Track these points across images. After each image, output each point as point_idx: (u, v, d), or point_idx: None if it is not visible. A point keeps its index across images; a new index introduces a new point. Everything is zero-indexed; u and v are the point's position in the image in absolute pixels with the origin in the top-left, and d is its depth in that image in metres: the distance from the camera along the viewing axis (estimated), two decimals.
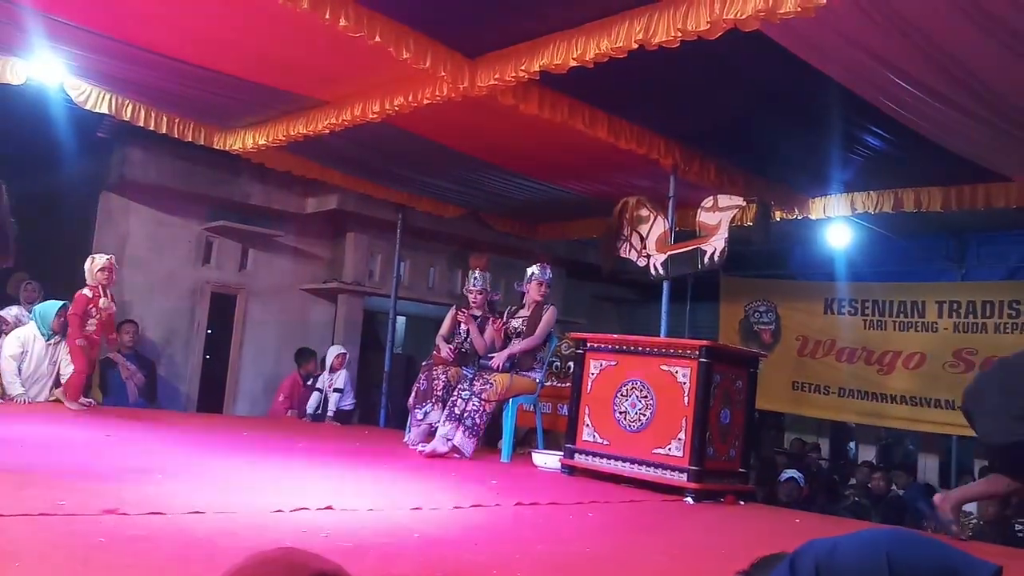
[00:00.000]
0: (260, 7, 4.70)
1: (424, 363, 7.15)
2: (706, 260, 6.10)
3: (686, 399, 5.16)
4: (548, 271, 6.68)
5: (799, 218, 8.06)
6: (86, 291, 6.78)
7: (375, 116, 6.09)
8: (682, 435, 5.13)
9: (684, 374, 5.21)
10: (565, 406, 6.78)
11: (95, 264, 6.84)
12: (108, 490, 3.43)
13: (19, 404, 6.65)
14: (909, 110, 5.38)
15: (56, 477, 3.66)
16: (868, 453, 11.02)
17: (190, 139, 7.43)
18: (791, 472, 8.11)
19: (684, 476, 5.06)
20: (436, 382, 6.61)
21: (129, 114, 6.91)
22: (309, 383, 8.89)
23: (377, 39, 4.81)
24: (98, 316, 6.77)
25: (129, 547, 2.62)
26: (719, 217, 6.07)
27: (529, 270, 6.66)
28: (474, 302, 6.98)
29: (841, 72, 5.00)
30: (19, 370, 6.79)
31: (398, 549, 3.06)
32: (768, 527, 4.74)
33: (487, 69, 5.30)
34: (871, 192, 7.46)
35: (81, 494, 3.28)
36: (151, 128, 7.11)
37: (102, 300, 6.78)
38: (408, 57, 4.99)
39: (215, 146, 7.58)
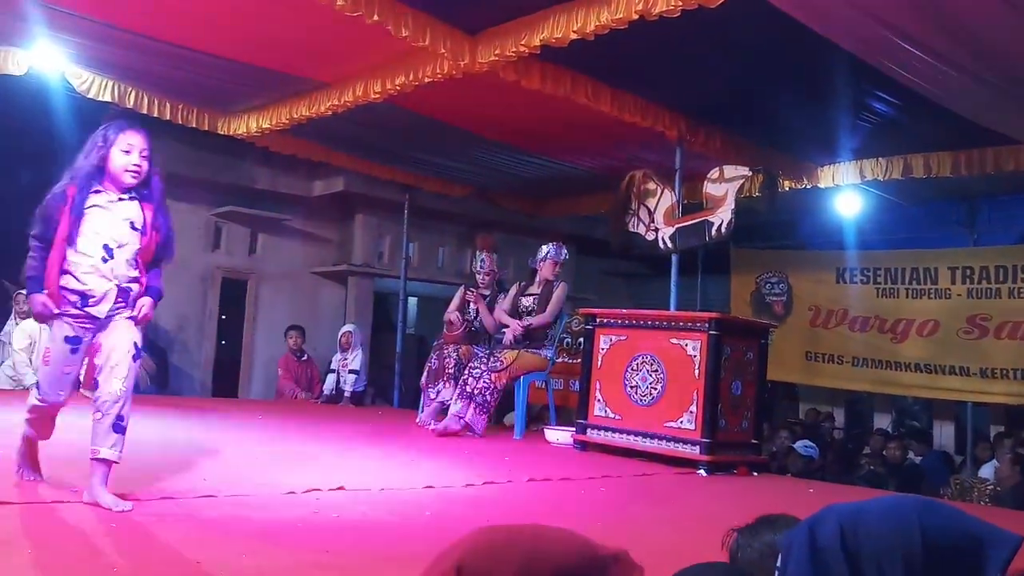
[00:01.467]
0: None
1: (435, 342, 7.16)
2: (713, 232, 6.06)
3: (697, 372, 5.15)
4: (563, 251, 6.66)
5: (808, 187, 7.99)
6: None
7: (377, 96, 6.06)
8: (693, 408, 5.12)
9: (694, 347, 5.20)
10: (577, 382, 6.79)
11: None
12: (119, 476, 3.45)
13: None
14: (916, 74, 5.30)
15: (69, 464, 3.68)
16: (884, 421, 10.98)
17: (194, 125, 7.41)
18: (802, 443, 8.07)
19: (696, 449, 5.06)
20: (447, 360, 6.62)
21: (132, 102, 6.89)
22: (304, 358, 8.94)
23: (376, 18, 4.76)
24: None
25: (141, 532, 2.65)
26: (725, 188, 6.02)
27: (544, 248, 6.65)
28: (482, 282, 6.98)
29: (845, 37, 4.93)
30: (29, 361, 6.85)
31: (410, 528, 3.07)
32: (781, 498, 4.73)
33: (487, 45, 5.25)
34: (880, 159, 7.39)
35: (90, 481, 3.29)
36: (155, 115, 7.09)
37: None
38: (407, 35, 4.95)
39: (219, 131, 7.56)
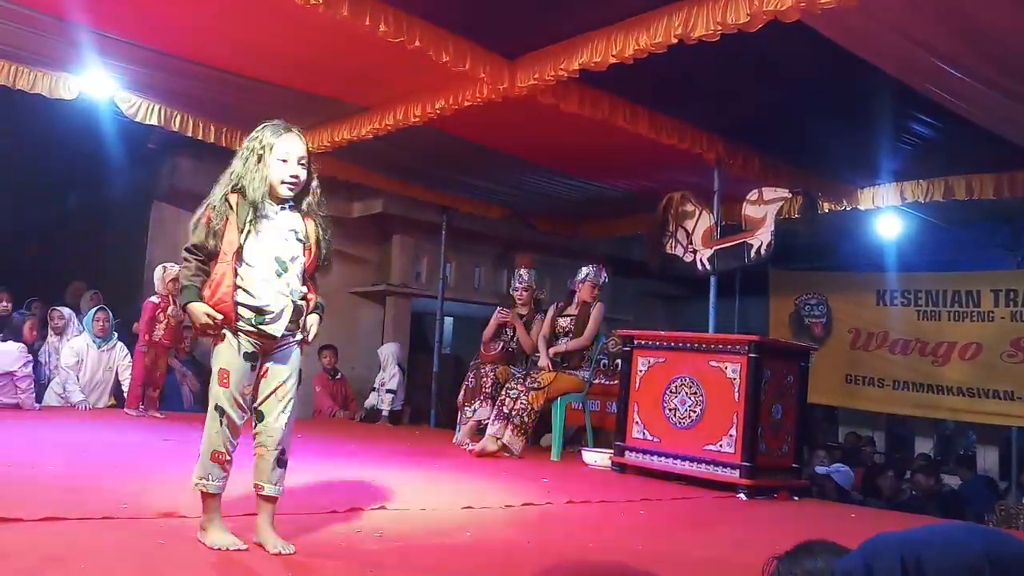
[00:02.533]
0: (301, 16, 4.76)
1: (472, 361, 7.19)
2: (753, 254, 6.03)
3: (736, 395, 5.13)
4: (603, 274, 6.70)
5: (847, 209, 7.94)
6: (154, 299, 6.96)
7: (417, 119, 6.14)
8: (733, 431, 5.09)
9: (734, 370, 5.18)
10: (613, 403, 6.77)
11: (167, 273, 6.98)
12: (166, 493, 3.52)
13: (80, 410, 6.84)
14: (957, 96, 5.28)
15: (116, 481, 3.76)
16: (925, 446, 10.81)
17: (237, 147, 7.53)
18: (832, 467, 7.92)
19: (736, 472, 5.03)
20: (484, 380, 6.65)
21: (178, 125, 7.05)
22: (338, 377, 9.04)
23: (417, 43, 4.84)
24: (165, 322, 6.92)
25: (188, 548, 2.69)
26: (765, 210, 6.00)
27: (583, 270, 6.69)
28: (520, 298, 7.02)
29: (886, 60, 4.92)
30: (77, 378, 6.99)
31: (451, 548, 3.09)
32: (824, 523, 4.68)
33: (526, 69, 5.31)
34: (921, 181, 7.33)
35: (140, 497, 3.36)
36: (199, 138, 7.24)
37: (170, 308, 6.93)
38: (448, 60, 5.02)
39: None
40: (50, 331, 7.40)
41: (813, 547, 1.86)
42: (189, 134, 7.17)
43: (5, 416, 5.96)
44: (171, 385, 7.83)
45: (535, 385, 6.23)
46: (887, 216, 8.63)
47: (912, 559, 1.29)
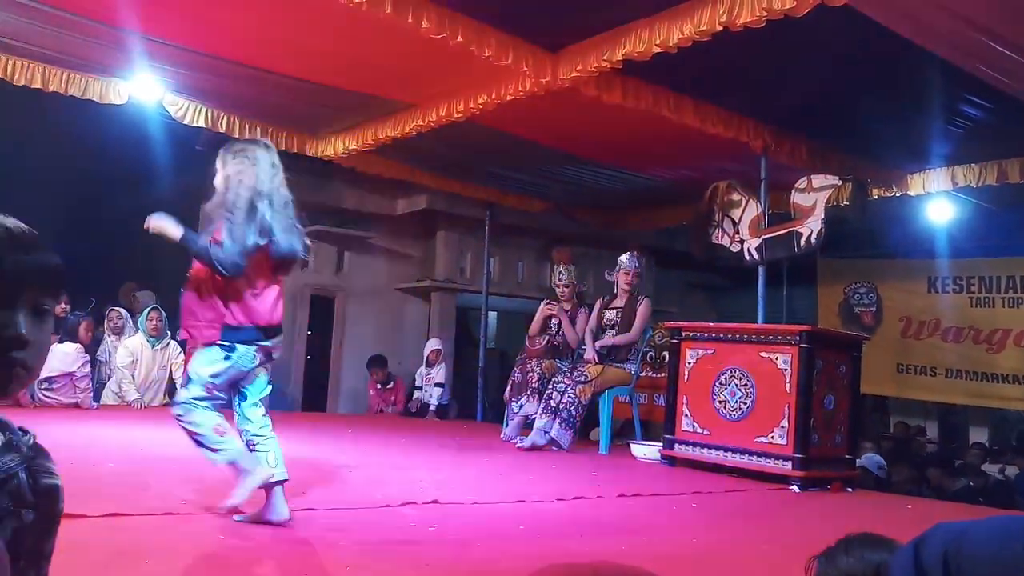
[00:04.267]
0: (344, 15, 4.79)
1: (518, 356, 7.20)
2: (802, 243, 5.96)
3: (788, 386, 5.07)
4: (636, 259, 6.64)
5: (897, 195, 7.79)
6: None
7: (460, 115, 6.15)
8: (785, 422, 5.04)
9: (785, 360, 5.12)
10: (661, 396, 6.74)
11: None
12: (224, 490, 3.57)
13: (136, 409, 6.98)
14: (1009, 76, 5.14)
15: (174, 479, 3.83)
16: (979, 435, 10.60)
17: (283, 148, 7.63)
18: (867, 457, 7.78)
19: (789, 464, 4.98)
20: (531, 375, 6.66)
21: (225, 126, 7.14)
22: (390, 386, 9.12)
23: (459, 39, 4.85)
24: None
25: (248, 543, 2.74)
26: (814, 198, 5.92)
27: (620, 259, 6.67)
28: (562, 295, 7.00)
29: (936, 42, 4.81)
30: (132, 377, 7.14)
31: (505, 542, 3.10)
32: (879, 514, 4.62)
33: (569, 62, 5.28)
34: (973, 165, 7.16)
35: (200, 494, 3.42)
36: (246, 139, 7.33)
37: None
38: (490, 55, 5.02)
39: (307, 153, 7.77)
40: (108, 331, 7.55)
41: (851, 543, 1.82)
42: (236, 135, 7.26)
43: (65, 416, 6.11)
44: None
45: (582, 379, 6.23)
46: (938, 201, 8.46)
47: (954, 548, 1.26)
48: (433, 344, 9.02)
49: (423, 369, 8.86)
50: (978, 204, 8.55)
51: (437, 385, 8.69)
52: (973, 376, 9.76)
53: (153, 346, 7.28)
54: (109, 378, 7.35)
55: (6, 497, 1.02)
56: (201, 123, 7.03)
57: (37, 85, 6.16)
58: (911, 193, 7.73)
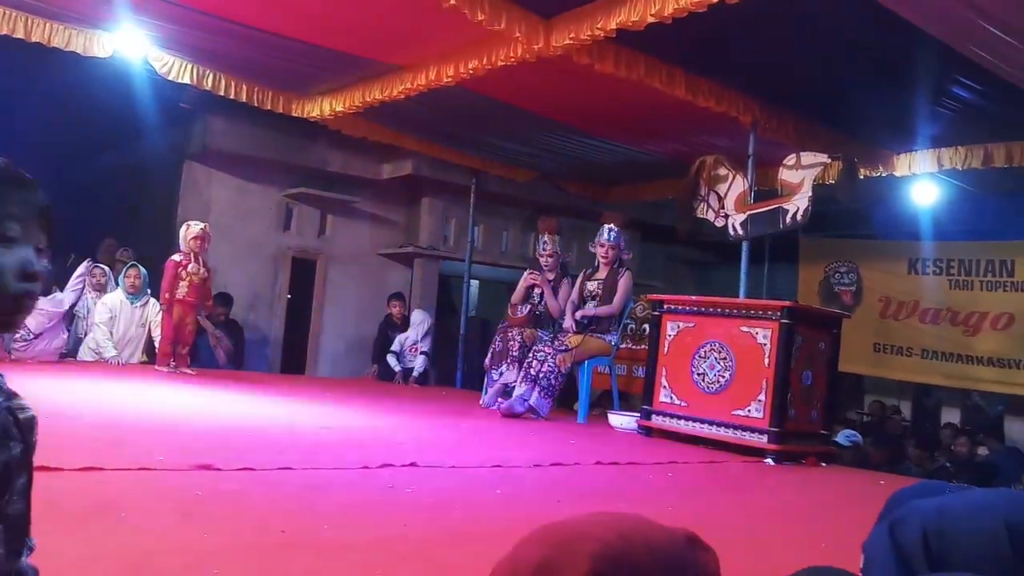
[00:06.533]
0: None
1: (500, 325, 7.22)
2: (788, 219, 5.97)
3: (767, 360, 5.11)
4: (609, 232, 6.60)
5: (883, 175, 7.81)
6: (176, 256, 7.00)
7: (449, 80, 6.10)
8: (762, 396, 5.08)
9: (765, 335, 5.15)
10: (640, 368, 6.79)
11: (189, 231, 7.04)
12: (201, 446, 3.57)
13: (113, 365, 6.95)
14: (1002, 59, 5.15)
15: (152, 434, 3.82)
16: (952, 416, 10.73)
17: (269, 107, 7.55)
18: (841, 434, 7.86)
19: (764, 438, 5.02)
20: (511, 343, 6.68)
21: (210, 84, 7.05)
22: (389, 332, 9.10)
23: (452, 2, 4.80)
24: (188, 280, 6.95)
25: (225, 500, 2.73)
26: (802, 175, 5.92)
27: (600, 230, 6.69)
28: (546, 265, 7.00)
29: (928, 21, 4.80)
30: (111, 334, 7.10)
31: (482, 505, 3.12)
32: (851, 488, 4.68)
33: (562, 29, 5.24)
34: (959, 147, 7.19)
35: (176, 450, 3.41)
36: (231, 97, 7.25)
37: (191, 265, 6.96)
38: (483, 19, 4.97)
39: (293, 113, 7.70)
40: (89, 287, 7.50)
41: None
42: (221, 93, 7.18)
43: (41, 370, 6.07)
44: (204, 345, 7.92)
45: (562, 348, 6.25)
46: (922, 183, 8.50)
47: (934, 528, 1.24)
48: (425, 318, 9.01)
49: (409, 334, 8.84)
50: (961, 187, 8.61)
51: (423, 354, 8.70)
52: (949, 357, 9.86)
53: (132, 303, 7.23)
54: (87, 334, 7.30)
55: None
56: (187, 80, 6.94)
57: (20, 35, 6.05)
58: (897, 174, 7.76)
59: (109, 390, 5.50)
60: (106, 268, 7.75)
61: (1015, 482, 7.35)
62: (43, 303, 6.82)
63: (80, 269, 7.23)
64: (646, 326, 6.85)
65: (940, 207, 9.21)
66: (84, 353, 7.21)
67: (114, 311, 7.18)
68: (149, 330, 7.32)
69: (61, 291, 7.00)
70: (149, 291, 7.36)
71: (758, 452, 5.05)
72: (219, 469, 3.12)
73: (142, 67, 6.91)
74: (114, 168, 10.35)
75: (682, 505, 3.53)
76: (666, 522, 1.16)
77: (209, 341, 7.91)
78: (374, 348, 9.30)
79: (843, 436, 7.71)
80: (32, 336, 6.52)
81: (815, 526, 3.41)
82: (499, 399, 6.55)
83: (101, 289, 7.52)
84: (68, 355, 7.04)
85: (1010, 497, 1.32)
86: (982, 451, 8.80)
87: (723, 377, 5.32)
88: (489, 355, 6.91)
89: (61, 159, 9.46)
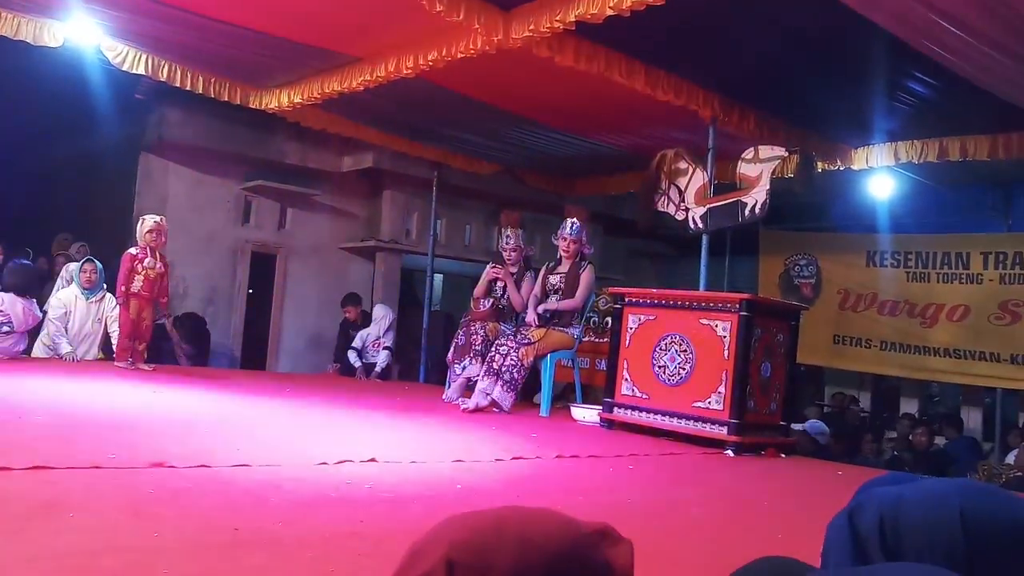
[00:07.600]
0: None
1: (463, 319, 7.18)
2: (747, 212, 6.01)
3: (726, 352, 5.14)
4: (572, 226, 6.56)
5: (841, 169, 7.90)
6: (132, 250, 6.86)
7: (409, 72, 6.05)
8: (722, 388, 5.11)
9: (724, 328, 5.18)
10: (603, 361, 6.79)
11: (144, 225, 6.91)
12: (155, 444, 3.51)
13: (68, 362, 6.81)
14: (956, 55, 5.22)
15: (105, 431, 3.74)
16: (911, 406, 10.91)
17: (226, 98, 7.44)
18: (807, 423, 7.94)
19: (724, 429, 5.06)
20: (475, 337, 6.65)
21: (165, 74, 6.93)
22: (351, 331, 9.02)
23: None
24: (144, 274, 6.82)
25: (178, 498, 2.68)
26: (760, 168, 5.97)
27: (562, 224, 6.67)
28: (509, 259, 6.98)
29: (884, 17, 4.85)
30: (65, 330, 6.96)
31: (441, 500, 3.09)
32: (809, 479, 4.73)
33: (521, 21, 5.21)
34: (915, 141, 7.28)
35: (129, 448, 3.35)
36: (187, 88, 7.13)
37: (147, 260, 6.83)
38: (441, 10, 4.93)
39: (251, 105, 7.59)
40: (63, 282, 7.36)
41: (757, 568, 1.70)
42: (177, 84, 7.06)
43: None
44: (167, 347, 7.79)
45: (525, 341, 6.24)
46: (880, 176, 8.61)
47: (890, 515, 1.25)
48: (388, 313, 8.94)
49: (371, 330, 8.77)
50: (918, 180, 8.74)
51: (386, 348, 8.64)
52: (906, 349, 10.01)
53: (87, 299, 7.08)
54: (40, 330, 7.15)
55: None
56: (141, 70, 6.81)
57: None
58: (854, 167, 7.85)
59: (63, 387, 5.38)
60: (98, 264, 7.59)
61: (970, 471, 7.49)
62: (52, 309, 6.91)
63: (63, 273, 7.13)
64: (608, 319, 6.87)
65: (897, 200, 9.35)
66: (38, 350, 7.06)
67: (68, 307, 7.03)
68: (106, 326, 7.18)
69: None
70: (105, 286, 7.21)
71: (718, 444, 5.09)
72: (173, 467, 3.07)
73: (95, 57, 6.77)
74: (67, 160, 10.16)
75: (642, 496, 3.54)
76: (629, 514, 1.15)
77: (174, 350, 7.82)
78: (336, 349, 9.22)
79: (812, 427, 7.75)
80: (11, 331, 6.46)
81: (773, 517, 3.43)
82: (462, 393, 6.52)
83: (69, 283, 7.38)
84: (23, 352, 6.89)
85: (965, 486, 1.34)
86: (939, 441, 8.96)
87: (683, 369, 5.35)
88: (452, 349, 6.88)
89: (11, 149, 9.25)
